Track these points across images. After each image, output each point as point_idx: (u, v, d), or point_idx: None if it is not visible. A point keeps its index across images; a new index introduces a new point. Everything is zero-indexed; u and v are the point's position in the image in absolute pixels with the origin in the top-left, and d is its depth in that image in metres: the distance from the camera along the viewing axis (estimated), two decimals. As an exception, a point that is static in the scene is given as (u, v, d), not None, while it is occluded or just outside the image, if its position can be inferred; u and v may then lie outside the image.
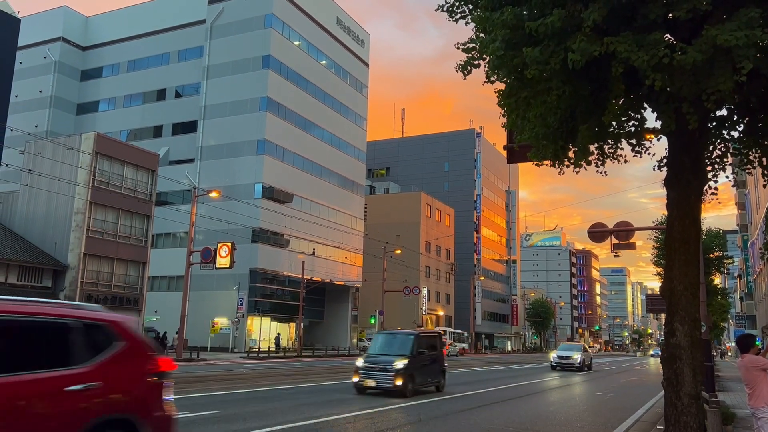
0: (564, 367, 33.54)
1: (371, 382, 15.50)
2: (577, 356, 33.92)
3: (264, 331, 50.40)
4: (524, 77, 6.77)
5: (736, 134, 7.58)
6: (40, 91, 59.70)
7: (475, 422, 11.73)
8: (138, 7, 60.41)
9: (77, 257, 33.81)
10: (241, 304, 45.71)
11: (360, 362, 16.25)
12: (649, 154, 8.06)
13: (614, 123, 7.73)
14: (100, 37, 61.54)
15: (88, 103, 60.77)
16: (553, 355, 36.36)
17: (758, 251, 31.29)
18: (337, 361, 37.74)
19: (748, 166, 7.94)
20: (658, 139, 8.11)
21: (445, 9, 7.47)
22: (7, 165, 35.15)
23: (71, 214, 34.30)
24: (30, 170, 34.23)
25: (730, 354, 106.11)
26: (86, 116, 60.14)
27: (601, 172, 8.41)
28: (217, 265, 37.07)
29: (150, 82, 57.30)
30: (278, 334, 50.42)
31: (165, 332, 41.41)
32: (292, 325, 53.77)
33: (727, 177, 8.21)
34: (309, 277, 49.91)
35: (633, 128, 7.78)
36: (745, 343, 7.48)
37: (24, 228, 35.46)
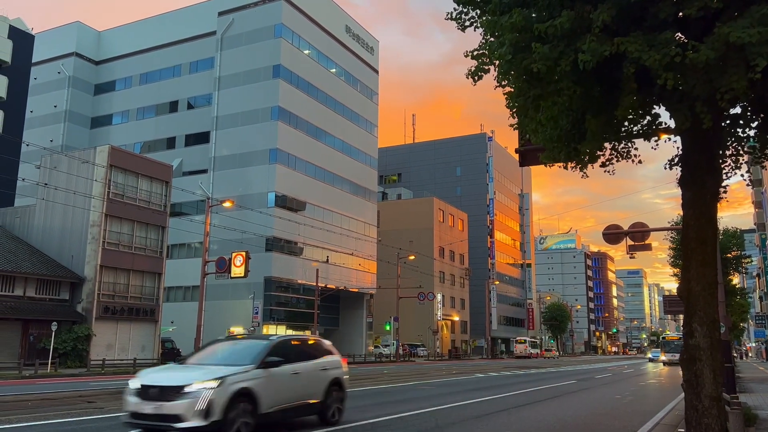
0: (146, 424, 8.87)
1: None
2: (198, 388, 8.56)
3: (279, 339, 50.43)
4: (534, 79, 6.75)
5: (750, 132, 7.51)
6: (55, 106, 60.47)
7: None
8: (149, 21, 61.10)
9: (94, 269, 34.11)
10: (257, 313, 45.83)
11: None
12: (673, 144, 7.98)
13: (626, 122, 7.69)
14: (112, 51, 62.28)
15: (102, 116, 61.46)
16: (132, 385, 9.14)
17: None
18: (353, 369, 37.66)
19: (765, 162, 7.86)
20: (671, 139, 8.04)
21: (453, 17, 7.48)
22: (23, 179, 35.63)
23: (87, 227, 34.63)
24: (46, 184, 34.64)
25: (751, 355, 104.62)
26: (100, 129, 60.82)
27: (609, 171, 8.37)
28: (232, 275, 37.21)
29: (162, 95, 57.86)
30: None
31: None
32: (308, 332, 53.79)
33: (742, 176, 8.12)
34: (323, 285, 49.97)
35: (646, 127, 7.73)
36: None
37: (41, 241, 35.85)
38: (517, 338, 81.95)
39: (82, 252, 34.57)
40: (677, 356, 45.11)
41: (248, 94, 52.06)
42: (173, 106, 57.39)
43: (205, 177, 52.56)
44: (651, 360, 65.63)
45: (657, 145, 7.94)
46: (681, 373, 7.27)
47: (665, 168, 7.95)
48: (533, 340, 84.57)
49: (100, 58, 62.88)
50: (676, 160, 7.74)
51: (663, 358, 53.30)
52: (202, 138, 54.43)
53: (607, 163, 8.12)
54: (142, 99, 59.06)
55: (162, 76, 58.48)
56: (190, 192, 44.26)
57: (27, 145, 36.78)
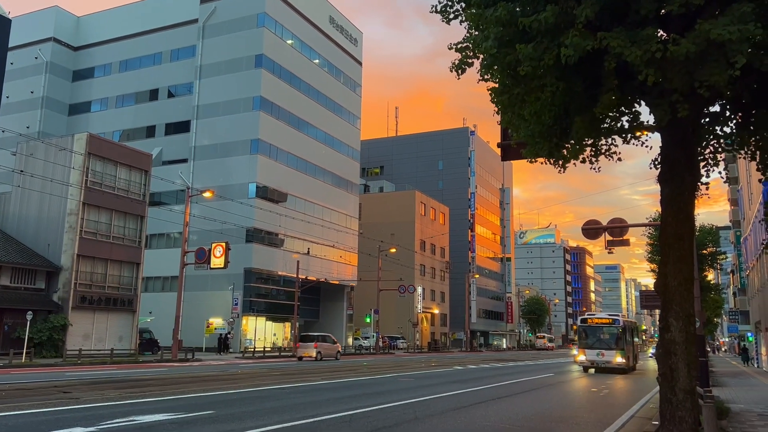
0: None
1: None
2: None
3: (259, 330, 50.33)
4: (518, 75, 6.78)
5: (728, 130, 7.61)
6: (32, 92, 59.34)
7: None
8: (130, 7, 60.11)
9: (71, 258, 33.63)
10: (236, 304, 45.59)
11: None
12: (645, 146, 8.09)
13: (608, 120, 7.76)
14: (91, 37, 61.21)
15: (80, 103, 60.45)
16: None
17: (760, 243, 30.74)
18: (332, 361, 37.73)
19: (740, 160, 8.02)
20: (648, 138, 8.11)
21: (438, 10, 7.48)
22: (-2, 166, 34.99)
23: (64, 215, 34.12)
24: (22, 171, 34.03)
25: (724, 349, 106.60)
26: (78, 117, 59.83)
27: (594, 169, 8.42)
28: (212, 266, 36.97)
29: (142, 82, 57.06)
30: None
31: (228, 333, 43.91)
32: (287, 324, 53.67)
33: (719, 173, 8.25)
34: (304, 277, 49.84)
35: (627, 124, 7.80)
36: None
37: (17, 229, 35.25)
38: (538, 334, 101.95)
39: (59, 241, 34.07)
40: (609, 355, 29.15)
41: (230, 83, 51.55)
42: (153, 95, 56.62)
43: (185, 166, 52.02)
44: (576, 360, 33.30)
45: (636, 142, 8.00)
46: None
47: (650, 167, 8.04)
48: (550, 336, 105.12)
49: (79, 43, 61.78)
50: (659, 160, 7.83)
51: (581, 357, 29.72)
52: (182, 127, 53.81)
53: (592, 159, 8.15)
54: (122, 86, 58.17)
55: (142, 64, 57.63)
56: (169, 181, 43.79)
57: (3, 131, 36.11)
